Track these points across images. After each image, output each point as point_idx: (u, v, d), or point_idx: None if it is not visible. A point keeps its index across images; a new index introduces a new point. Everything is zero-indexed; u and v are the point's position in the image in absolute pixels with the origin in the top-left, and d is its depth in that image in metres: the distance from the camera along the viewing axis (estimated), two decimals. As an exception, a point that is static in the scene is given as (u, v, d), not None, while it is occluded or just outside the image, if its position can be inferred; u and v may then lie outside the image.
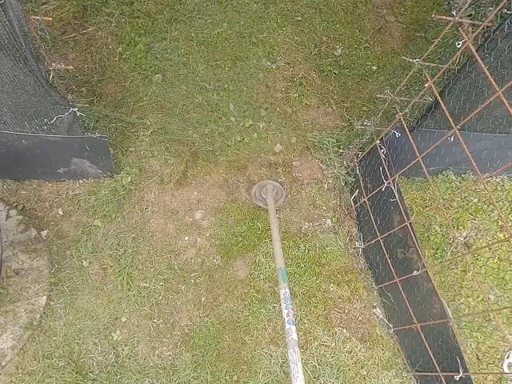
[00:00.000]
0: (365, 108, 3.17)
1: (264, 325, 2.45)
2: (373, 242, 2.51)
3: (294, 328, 1.69)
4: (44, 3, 3.11)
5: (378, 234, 2.42)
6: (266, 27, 3.41)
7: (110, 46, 3.08)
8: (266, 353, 2.39)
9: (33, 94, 1.85)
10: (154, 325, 2.39)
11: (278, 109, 3.09)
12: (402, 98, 2.20)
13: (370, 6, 3.68)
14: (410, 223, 2.17)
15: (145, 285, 2.46)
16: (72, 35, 3.07)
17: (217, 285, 2.52)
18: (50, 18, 1.53)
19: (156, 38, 3.18)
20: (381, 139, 2.38)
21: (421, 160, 2.01)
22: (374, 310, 2.55)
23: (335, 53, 3.39)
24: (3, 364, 2.20)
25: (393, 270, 2.33)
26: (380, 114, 2.34)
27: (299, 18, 3.49)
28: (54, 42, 2.99)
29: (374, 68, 3.37)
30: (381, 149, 2.35)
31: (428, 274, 2.10)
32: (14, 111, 1.96)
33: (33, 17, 1.48)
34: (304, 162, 2.91)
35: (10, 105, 1.91)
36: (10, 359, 2.21)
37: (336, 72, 3.30)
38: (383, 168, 2.32)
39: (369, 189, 2.52)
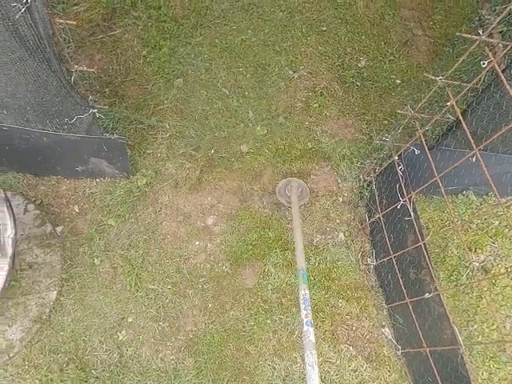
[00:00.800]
0: (386, 122, 3.12)
1: (269, 336, 2.42)
2: (385, 259, 2.45)
3: (311, 330, 1.66)
4: (75, 4, 3.21)
5: (391, 252, 2.37)
6: (291, 36, 3.40)
7: (136, 49, 3.14)
8: (269, 365, 2.36)
9: (55, 94, 1.89)
10: (160, 328, 2.40)
11: (297, 118, 3.07)
12: (423, 115, 2.15)
13: (397, 18, 3.63)
14: (424, 244, 2.11)
15: (153, 287, 2.47)
16: (99, 37, 3.14)
17: (224, 292, 2.51)
18: (74, 23, 1.57)
19: (180, 43, 3.22)
20: (399, 155, 2.33)
21: (439, 179, 1.95)
22: (383, 330, 2.49)
23: (359, 64, 3.35)
24: (11, 355, 2.25)
25: (404, 291, 2.27)
26: (400, 130, 2.29)
27: (324, 28, 3.47)
28: (82, 42, 3.07)
29: (398, 82, 3.31)
30: (399, 165, 2.29)
31: (440, 298, 2.03)
32: (36, 110, 2.02)
33: (57, 20, 1.51)
34: (320, 174, 2.88)
35: (34, 103, 1.96)
36: (17, 351, 2.26)
37: (358, 84, 3.26)
38: (400, 185, 2.26)
39: (384, 205, 2.46)
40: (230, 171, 2.81)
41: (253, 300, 2.50)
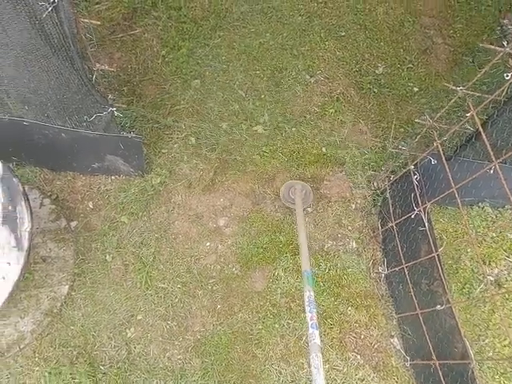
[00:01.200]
0: (402, 130, 3.09)
1: (276, 340, 2.42)
2: (397, 269, 2.43)
3: (317, 332, 1.65)
4: (97, 3, 3.25)
5: (403, 261, 2.34)
6: (309, 40, 3.40)
7: (155, 49, 3.17)
8: (276, 369, 2.35)
9: (76, 92, 1.92)
10: (168, 326, 2.41)
11: (312, 123, 3.07)
12: (441, 125, 2.13)
13: (417, 25, 3.60)
14: (437, 255, 2.08)
15: (163, 286, 2.49)
16: (120, 35, 3.18)
17: (233, 294, 2.52)
18: (99, 22, 1.59)
19: (199, 44, 3.24)
20: (415, 164, 2.31)
21: (455, 191, 1.93)
22: (392, 340, 2.46)
23: (376, 71, 3.33)
24: (21, 346, 2.28)
25: (415, 301, 2.24)
26: (417, 139, 2.27)
27: (343, 34, 3.46)
28: (103, 41, 3.11)
29: (416, 89, 3.29)
30: (414, 174, 2.27)
31: (452, 311, 2.00)
32: (57, 106, 2.05)
33: (82, 19, 1.54)
34: (333, 180, 2.86)
35: (54, 100, 1.99)
36: (28, 342, 2.29)
37: (375, 90, 3.24)
38: (415, 194, 2.24)
39: (398, 214, 2.44)
40: (243, 173, 2.81)
41: (261, 303, 2.50)
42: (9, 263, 1.83)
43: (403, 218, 2.34)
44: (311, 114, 3.10)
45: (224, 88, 3.09)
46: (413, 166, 2.31)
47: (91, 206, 2.66)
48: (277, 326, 2.45)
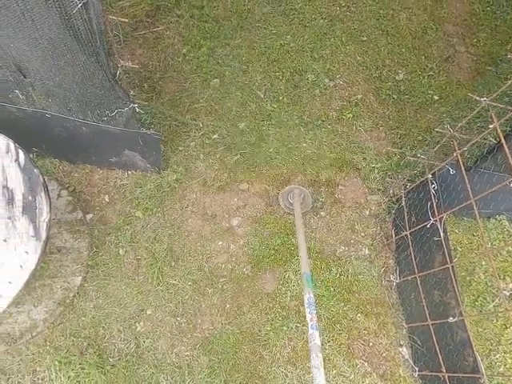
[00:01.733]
0: (420, 138, 3.06)
1: (284, 343, 2.42)
2: (409, 278, 2.41)
3: (317, 333, 1.67)
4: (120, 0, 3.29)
5: (416, 271, 2.32)
6: (330, 44, 3.38)
7: (176, 47, 3.19)
8: (282, 372, 2.35)
9: (99, 87, 1.95)
10: (177, 323, 2.43)
11: (329, 127, 3.06)
12: (462, 135, 2.10)
13: (440, 33, 3.56)
14: (452, 266, 2.06)
15: (174, 282, 2.51)
16: (142, 32, 3.22)
17: (243, 294, 2.52)
18: (126, 20, 1.61)
19: (220, 44, 3.26)
20: (433, 174, 2.29)
21: (474, 202, 1.91)
22: (400, 349, 2.44)
23: (397, 77, 3.30)
24: (34, 334, 2.32)
25: (426, 312, 2.22)
26: (436, 148, 2.25)
27: (364, 39, 3.44)
28: (125, 37, 3.14)
29: (436, 98, 3.25)
30: (432, 184, 2.25)
31: (465, 323, 1.98)
32: (79, 100, 2.08)
33: (110, 16, 1.56)
34: (348, 185, 2.85)
35: (78, 94, 2.02)
36: (40, 331, 2.33)
37: (395, 97, 3.21)
38: (431, 204, 2.22)
39: (413, 222, 2.42)
40: (258, 175, 2.82)
41: (271, 305, 2.50)
42: (27, 252, 1.86)
43: (418, 227, 2.31)
44: (329, 118, 3.09)
45: (243, 88, 3.10)
46: (431, 175, 2.28)
47: (107, 200, 2.69)
48: (285, 328, 2.45)
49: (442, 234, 2.12)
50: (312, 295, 1.83)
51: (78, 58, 1.77)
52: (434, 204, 2.20)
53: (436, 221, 2.16)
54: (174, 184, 2.70)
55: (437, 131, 2.16)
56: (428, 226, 2.22)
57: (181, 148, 2.84)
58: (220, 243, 2.64)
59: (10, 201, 1.94)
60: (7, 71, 1.94)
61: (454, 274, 2.05)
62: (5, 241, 1.87)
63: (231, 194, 2.78)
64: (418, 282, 2.30)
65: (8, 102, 2.18)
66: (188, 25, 3.29)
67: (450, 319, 2.01)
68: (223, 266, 2.59)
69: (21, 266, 1.84)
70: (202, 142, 2.86)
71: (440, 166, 2.25)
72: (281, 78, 3.20)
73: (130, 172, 2.74)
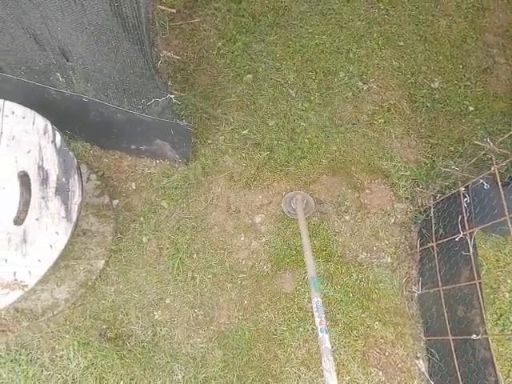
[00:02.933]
0: (452, 148, 3.00)
1: (299, 344, 2.41)
2: (432, 290, 2.36)
3: (327, 337, 1.66)
4: (160, -11, 3.31)
5: (440, 284, 2.28)
6: (366, 46, 3.34)
7: (211, 40, 3.20)
8: (295, 373, 2.35)
9: (139, 75, 1.96)
10: (194, 314, 2.44)
11: (359, 131, 3.02)
12: (501, 149, 2.05)
13: (480, 43, 3.47)
14: (479, 283, 2.02)
15: (194, 274, 2.52)
16: (179, 23, 3.23)
17: (261, 292, 2.52)
18: (174, 10, 1.61)
19: (255, 39, 3.24)
20: (466, 187, 2.23)
21: (509, 219, 1.86)
22: (417, 361, 2.41)
23: (432, 85, 3.23)
24: (55, 313, 2.37)
25: (448, 326, 2.18)
26: (473, 161, 2.19)
27: (401, 43, 3.38)
28: (163, 27, 3.16)
29: (471, 109, 3.17)
30: (464, 197, 2.20)
31: (488, 342, 1.94)
32: (118, 87, 2.10)
33: (159, 6, 1.56)
34: (375, 191, 2.81)
35: (117, 81, 2.04)
36: (61, 310, 2.38)
37: (428, 105, 3.15)
38: (462, 217, 2.17)
39: (440, 234, 2.37)
40: (285, 174, 2.80)
41: (288, 305, 2.50)
42: (57, 233, 1.90)
43: (446, 239, 2.27)
44: (360, 122, 3.05)
45: (275, 86, 3.09)
46: (463, 188, 2.23)
47: (134, 187, 2.72)
48: (301, 329, 2.44)
49: (471, 249, 2.07)
50: (320, 299, 1.83)
51: (122, 46, 1.78)
52: (465, 218, 2.15)
53: (466, 235, 2.11)
54: (201, 177, 2.71)
55: (475, 144, 2.11)
56: (456, 239, 2.18)
57: (209, 141, 2.84)
58: (242, 239, 2.65)
59: (45, 181, 1.98)
60: (51, 54, 1.97)
61: (481, 291, 2.01)
62: (37, 220, 1.91)
63: (256, 191, 2.77)
64: (442, 296, 2.25)
65: (48, 84, 2.21)
66: (225, 18, 3.29)
67: (474, 336, 1.97)
68: (244, 262, 2.59)
69: (50, 246, 1.88)
70: (231, 136, 2.86)
71: (474, 180, 2.20)
72: (314, 77, 3.17)
73: (158, 161, 2.76)
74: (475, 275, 2.04)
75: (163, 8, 1.60)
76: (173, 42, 3.15)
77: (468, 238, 2.09)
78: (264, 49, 3.22)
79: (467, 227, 2.11)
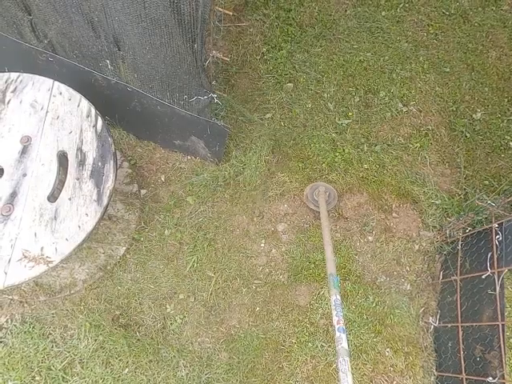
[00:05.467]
0: (487, 182, 2.91)
1: (306, 359, 2.38)
2: (450, 325, 2.30)
3: (344, 336, 1.62)
4: (213, -10, 3.36)
5: (460, 319, 2.21)
6: (410, 69, 3.30)
7: (257, 45, 3.23)
8: (299, 387, 2.32)
9: (185, 72, 2.00)
10: (206, 313, 2.45)
11: (393, 152, 2.97)
12: (542, 191, 1.98)
13: (529, 78, 3.38)
14: (503, 324, 1.94)
15: (210, 273, 2.53)
16: (227, 25, 3.27)
17: (275, 301, 2.51)
18: (231, 13, 1.64)
19: (300, 49, 3.26)
20: (500, 224, 2.17)
21: (543, 264, 1.79)
22: (425, 396, 2.34)
23: (474, 115, 3.16)
24: (72, 292, 2.42)
25: (463, 365, 2.11)
26: (510, 199, 2.13)
27: (447, 70, 3.32)
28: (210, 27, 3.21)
29: (512, 144, 3.09)
30: (496, 234, 2.13)
31: (505, 387, 1.86)
32: (163, 81, 2.15)
33: (216, 7, 1.59)
34: (402, 215, 2.76)
35: (163, 75, 2.09)
36: (78, 290, 2.43)
37: (468, 135, 3.08)
38: (492, 255, 2.11)
39: (466, 269, 2.30)
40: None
41: (300, 318, 2.47)
42: (87, 214, 1.94)
43: (472, 275, 2.20)
44: (394, 143, 3.01)
45: (314, 97, 3.09)
46: (497, 225, 2.16)
47: (163, 179, 2.76)
48: (310, 344, 2.41)
49: (497, 289, 2.01)
50: (338, 297, 1.78)
51: (174, 41, 1.82)
52: (495, 255, 2.08)
53: (494, 273, 2.05)
54: (230, 179, 2.72)
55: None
56: (483, 276, 2.11)
57: (242, 144, 2.86)
58: (262, 245, 2.64)
59: (82, 163, 2.03)
60: (104, 41, 2.03)
61: (504, 334, 1.93)
62: (69, 199, 1.96)
63: (282, 200, 2.77)
64: (460, 332, 2.19)
65: (97, 70, 2.28)
66: (272, 25, 3.32)
67: (490, 379, 1.90)
68: (261, 268, 2.58)
69: (79, 227, 1.92)
70: (264, 143, 2.86)
71: (509, 218, 2.13)
72: (354, 93, 3.16)
73: (189, 157, 2.80)
74: (499, 316, 1.97)
75: (220, 9, 1.62)
76: (219, 42, 3.20)
77: (496, 276, 2.02)
78: (307, 59, 3.23)
79: (496, 265, 2.05)
